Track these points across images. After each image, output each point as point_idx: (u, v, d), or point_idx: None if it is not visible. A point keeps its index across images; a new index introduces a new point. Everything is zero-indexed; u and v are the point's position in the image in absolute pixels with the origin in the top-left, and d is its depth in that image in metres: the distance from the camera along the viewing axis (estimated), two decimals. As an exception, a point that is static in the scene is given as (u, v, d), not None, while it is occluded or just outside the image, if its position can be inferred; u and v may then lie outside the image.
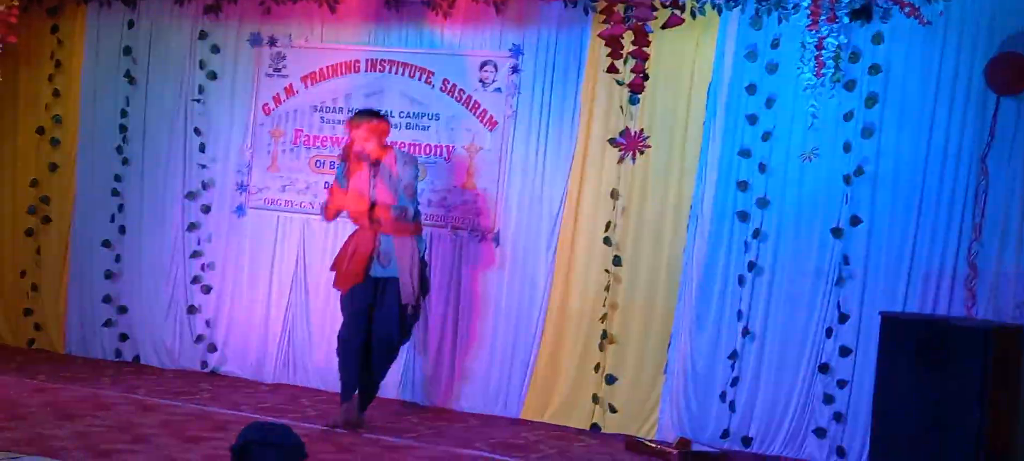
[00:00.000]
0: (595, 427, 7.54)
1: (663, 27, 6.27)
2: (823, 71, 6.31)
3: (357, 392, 7.17)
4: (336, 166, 7.47)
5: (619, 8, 5.86)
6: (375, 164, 7.13)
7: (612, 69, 6.10)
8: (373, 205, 7.10)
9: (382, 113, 7.47)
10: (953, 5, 6.64)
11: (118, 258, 8.89)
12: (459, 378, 7.93)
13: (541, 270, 7.75)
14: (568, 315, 7.69)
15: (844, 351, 6.98)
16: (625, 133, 6.65)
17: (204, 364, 8.60)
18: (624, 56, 6.08)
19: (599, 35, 6.10)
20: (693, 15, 7.10)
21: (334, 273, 7.35)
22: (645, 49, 5.82)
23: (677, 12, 6.15)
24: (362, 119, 7.20)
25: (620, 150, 6.45)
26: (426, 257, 7.40)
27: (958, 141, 6.77)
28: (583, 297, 7.66)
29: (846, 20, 6.42)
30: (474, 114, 7.98)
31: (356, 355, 7.15)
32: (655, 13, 6.14)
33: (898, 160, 6.92)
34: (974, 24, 6.74)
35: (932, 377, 6.04)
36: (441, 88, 8.07)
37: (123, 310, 8.85)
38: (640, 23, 5.75)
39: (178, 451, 6.09)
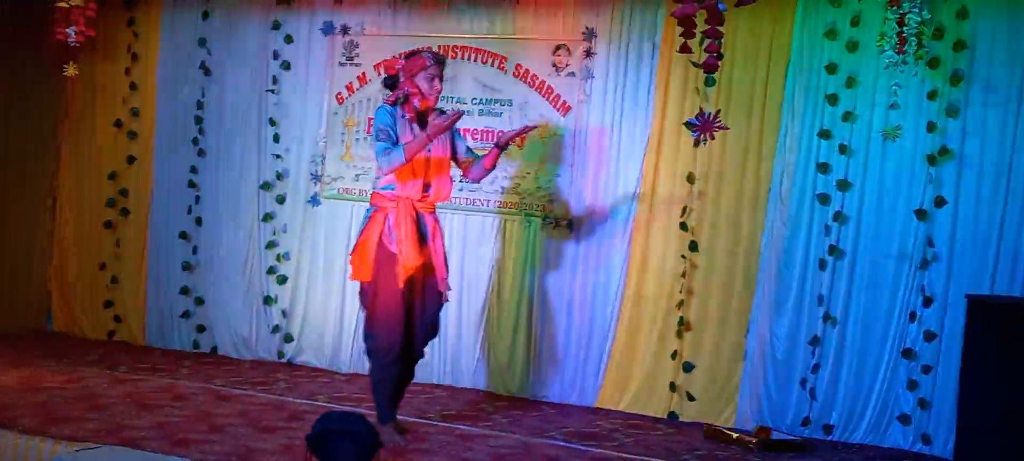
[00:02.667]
0: (672, 416, 7.52)
1: (737, 5, 6.20)
2: (905, 48, 6.22)
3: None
4: (384, 113, 6.39)
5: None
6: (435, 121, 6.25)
7: (685, 49, 6.01)
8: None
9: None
10: (1042, -25, 6.52)
11: (195, 250, 9.03)
12: (534, 366, 7.93)
13: (616, 256, 7.74)
14: (644, 302, 7.67)
15: (928, 336, 6.89)
16: (699, 115, 6.47)
17: (280, 354, 8.70)
18: (697, 36, 6.02)
19: (672, 14, 6.03)
20: (769, -7, 7.05)
21: (381, 263, 6.33)
22: (719, 28, 5.75)
23: (756, -14, 6.07)
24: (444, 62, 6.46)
25: (694, 131, 6.31)
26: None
27: (1048, 118, 6.65)
28: (659, 283, 7.63)
29: (930, -7, 6.31)
30: (547, 99, 7.97)
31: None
32: None
33: (984, 139, 6.81)
34: (1064, -5, 6.60)
35: (1021, 362, 5.91)
36: (514, 73, 8.08)
37: (200, 301, 9.00)
38: (714, 1, 5.68)
39: (254, 440, 6.17)
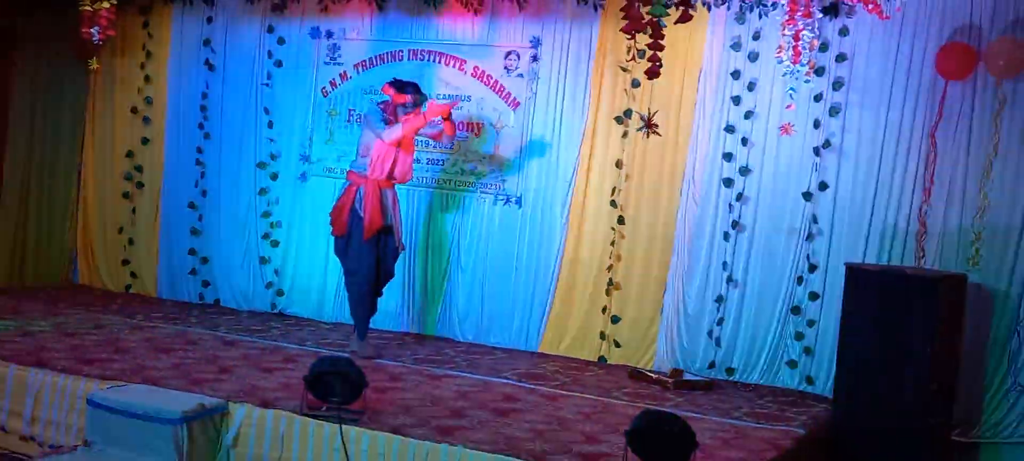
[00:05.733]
0: (602, 359, 7.55)
1: (676, 22, 6.21)
2: (800, 59, 6.26)
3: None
4: (375, 115, 7.03)
5: (639, 6, 5.80)
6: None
7: (634, 57, 6.15)
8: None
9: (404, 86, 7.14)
10: (909, 1, 6.58)
11: (200, 217, 8.89)
12: (488, 318, 7.92)
13: (556, 228, 7.73)
14: (579, 265, 7.67)
15: (813, 296, 6.98)
16: (646, 117, 7.17)
17: (273, 306, 8.61)
18: (636, 48, 6.09)
19: (621, 30, 6.05)
20: (687, 12, 7.05)
21: (352, 223, 7.00)
22: (661, 41, 5.77)
23: (691, 10, 6.09)
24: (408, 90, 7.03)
25: (639, 127, 6.92)
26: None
27: (912, 118, 6.73)
28: (592, 250, 7.64)
29: (819, 15, 6.34)
30: (500, 96, 7.93)
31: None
32: (668, 10, 6.10)
33: (860, 134, 6.88)
34: (927, 17, 6.68)
35: (890, 318, 6.01)
36: (472, 74, 8.02)
37: (205, 261, 8.86)
38: (656, 19, 5.70)
39: (257, 379, 6.11)
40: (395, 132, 6.90)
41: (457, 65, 8.06)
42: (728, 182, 7.21)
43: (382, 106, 7.08)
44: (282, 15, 8.58)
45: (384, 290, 7.34)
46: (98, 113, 9.32)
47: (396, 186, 7.19)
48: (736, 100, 7.19)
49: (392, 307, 7.97)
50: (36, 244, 9.26)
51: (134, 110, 9.14)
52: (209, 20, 8.83)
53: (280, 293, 8.61)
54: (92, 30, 8.05)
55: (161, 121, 9.04)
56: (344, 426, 5.26)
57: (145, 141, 9.08)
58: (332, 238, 7.31)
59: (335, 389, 5.39)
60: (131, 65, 9.15)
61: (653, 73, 5.94)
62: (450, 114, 7.03)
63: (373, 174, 6.97)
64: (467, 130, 8.00)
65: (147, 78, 9.08)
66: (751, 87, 7.14)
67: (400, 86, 7.05)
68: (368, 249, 7.00)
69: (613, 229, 7.54)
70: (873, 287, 6.17)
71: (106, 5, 8.02)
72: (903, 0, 6.50)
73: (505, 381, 6.63)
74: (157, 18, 9.04)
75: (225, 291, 8.79)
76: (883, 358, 6.01)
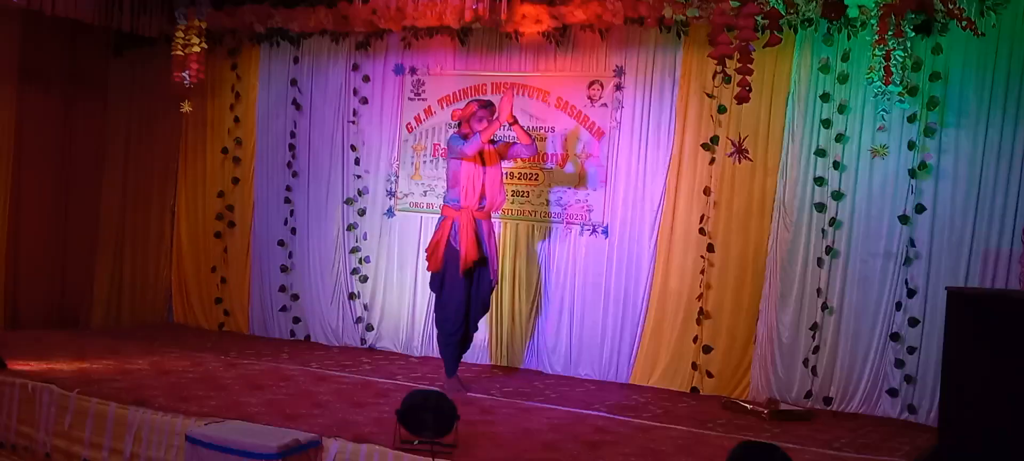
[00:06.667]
0: (694, 390, 7.47)
1: (764, 46, 6.16)
2: (891, 79, 6.15)
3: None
4: (454, 137, 7.06)
5: (727, 32, 5.77)
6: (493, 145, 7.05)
7: (720, 82, 6.16)
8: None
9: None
10: (1004, 17, 6.44)
11: (290, 255, 9.04)
12: (577, 350, 7.90)
13: (644, 257, 7.69)
14: (668, 295, 7.62)
15: (912, 322, 6.81)
16: (736, 142, 7.15)
17: (363, 341, 8.70)
18: (721, 72, 6.06)
19: (709, 56, 6.01)
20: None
21: (448, 257, 6.96)
22: (750, 66, 5.72)
23: (777, 34, 6.04)
24: (489, 106, 7.11)
25: (729, 152, 7.02)
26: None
27: (1012, 136, 6.55)
28: (681, 279, 7.58)
29: (910, 34, 6.23)
30: (584, 126, 7.94)
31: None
32: (757, 35, 6.05)
33: (957, 154, 6.73)
34: (1023, 33, 6.52)
35: (998, 344, 5.81)
36: (555, 105, 8.05)
37: (295, 297, 9.01)
38: (744, 43, 5.65)
39: (350, 414, 6.16)
40: (474, 142, 6.87)
41: (540, 96, 8.09)
42: (820, 207, 7.10)
43: (457, 132, 7.12)
44: (367, 53, 8.73)
45: (479, 323, 7.30)
46: (190, 154, 9.57)
47: (490, 218, 7.17)
48: (826, 123, 7.08)
49: (480, 339, 7.98)
50: (132, 284, 9.51)
51: (224, 150, 9.35)
52: (295, 60, 9.01)
53: (370, 328, 8.70)
54: (184, 74, 8.34)
55: (250, 161, 9.24)
56: (437, 460, 5.27)
57: (235, 181, 9.28)
58: (428, 273, 7.31)
59: (427, 422, 5.40)
60: (221, 106, 9.38)
61: (743, 98, 5.89)
62: (514, 117, 7.01)
63: (465, 202, 6.95)
64: (552, 161, 8.01)
65: (236, 119, 9.29)
66: (842, 109, 7.04)
67: (465, 106, 7.18)
68: (462, 283, 6.97)
69: (702, 257, 7.47)
70: (978, 312, 5.96)
71: (197, 49, 8.29)
72: (998, 16, 6.34)
73: (597, 413, 6.59)
74: (245, 59, 9.26)
75: (315, 327, 8.91)
76: (993, 386, 5.80)
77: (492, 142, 7.05)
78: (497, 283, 7.28)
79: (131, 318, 9.42)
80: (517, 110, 8.06)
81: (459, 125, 7.15)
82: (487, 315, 7.74)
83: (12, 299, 8.91)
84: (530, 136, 7.19)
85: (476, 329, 7.25)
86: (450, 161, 7.08)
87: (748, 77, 5.74)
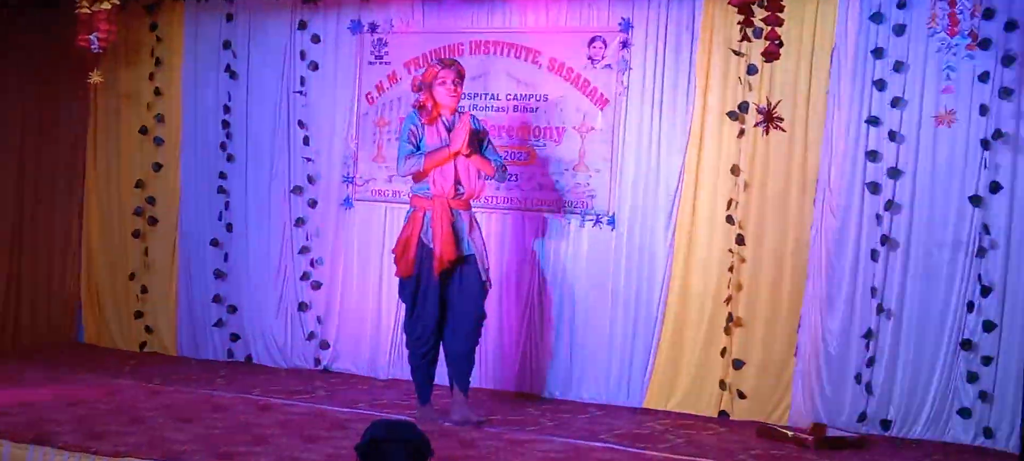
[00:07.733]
0: (723, 414, 7.48)
1: None
2: (958, 29, 6.14)
3: (455, 387, 7.07)
4: (409, 119, 6.99)
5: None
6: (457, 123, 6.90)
7: (745, 38, 6.06)
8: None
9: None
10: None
11: (226, 257, 9.04)
12: (578, 367, 7.90)
13: (660, 252, 7.69)
14: (690, 298, 7.62)
15: (988, 326, 6.81)
16: (764, 109, 6.89)
17: (317, 361, 8.70)
18: (744, 22, 6.01)
19: (729, 2, 5.98)
20: (814, -23, 7.00)
21: (422, 258, 6.85)
22: (780, 15, 5.69)
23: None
24: (457, 68, 6.97)
25: (757, 122, 6.75)
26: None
27: (1108, 96, 6.59)
28: (705, 279, 7.58)
29: (979, -26, 6.24)
30: (584, 93, 7.93)
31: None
32: None
33: (1040, 121, 6.74)
34: (1119, -28, 6.53)
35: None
36: (549, 68, 8.04)
37: (233, 309, 9.00)
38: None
39: (300, 451, 6.14)
40: (412, 165, 6.81)
41: (530, 57, 8.09)
42: (874, 187, 7.10)
43: (415, 105, 7.03)
44: (315, 7, 8.71)
45: (471, 342, 7.07)
46: (101, 135, 9.54)
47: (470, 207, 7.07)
48: (879, 84, 7.08)
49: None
50: (32, 296, 9.47)
51: (143, 130, 9.32)
52: (229, 17, 8.99)
53: (324, 345, 8.70)
54: (90, 37, 8.29)
55: (176, 142, 9.22)
56: (407, 506, 5.25)
57: (157, 167, 9.26)
58: (396, 279, 7.17)
59: (394, 459, 5.38)
60: (138, 76, 9.34)
61: (771, 54, 5.86)
62: (471, 148, 6.81)
63: (437, 190, 6.84)
64: (545, 137, 8.00)
65: (157, 91, 9.26)
66: (898, 67, 7.04)
67: (425, 71, 7.05)
68: (436, 288, 6.88)
69: (731, 252, 7.47)
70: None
71: (106, 6, 8.24)
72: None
73: (602, 445, 6.58)
74: (167, 18, 9.24)
75: (258, 345, 8.91)
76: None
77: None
78: (491, 285, 7.13)
79: (31, 337, 9.39)
80: (501, 74, 8.11)
81: (420, 93, 7.04)
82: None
83: None
84: (496, 165, 7.00)
85: (477, 342, 7.09)
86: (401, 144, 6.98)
87: (778, 28, 5.72)
